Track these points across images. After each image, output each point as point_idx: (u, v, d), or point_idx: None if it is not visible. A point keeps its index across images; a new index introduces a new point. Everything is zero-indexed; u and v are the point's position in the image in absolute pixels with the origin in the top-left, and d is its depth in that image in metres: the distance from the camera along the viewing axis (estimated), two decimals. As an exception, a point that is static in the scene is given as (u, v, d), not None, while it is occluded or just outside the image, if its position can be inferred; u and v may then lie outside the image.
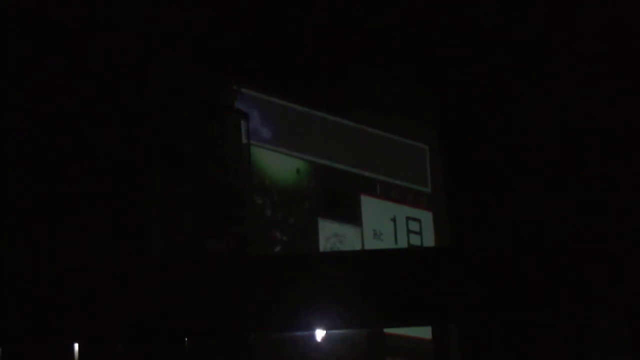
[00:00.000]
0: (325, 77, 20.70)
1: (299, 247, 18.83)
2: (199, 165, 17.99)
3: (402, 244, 21.27)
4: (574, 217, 18.90)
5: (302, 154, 20.31)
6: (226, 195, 18.23)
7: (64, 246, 15.57)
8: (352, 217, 20.98)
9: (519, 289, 13.88)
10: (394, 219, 21.34)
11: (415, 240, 21.53)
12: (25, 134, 16.25)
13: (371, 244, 20.77)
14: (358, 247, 20.56)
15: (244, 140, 19.00)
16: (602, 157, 19.43)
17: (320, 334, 14.36)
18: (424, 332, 15.21)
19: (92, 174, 16.33)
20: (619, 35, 19.55)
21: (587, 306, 13.96)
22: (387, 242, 21.08)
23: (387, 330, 15.13)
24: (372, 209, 21.39)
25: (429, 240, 21.66)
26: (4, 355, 13.50)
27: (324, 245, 20.10)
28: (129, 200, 16.54)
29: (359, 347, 15.08)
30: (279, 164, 19.82)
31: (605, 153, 19.44)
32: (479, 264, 14.06)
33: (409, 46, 20.86)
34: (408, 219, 21.67)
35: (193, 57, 18.08)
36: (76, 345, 13.65)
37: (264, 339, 14.82)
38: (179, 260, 16.17)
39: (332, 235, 20.43)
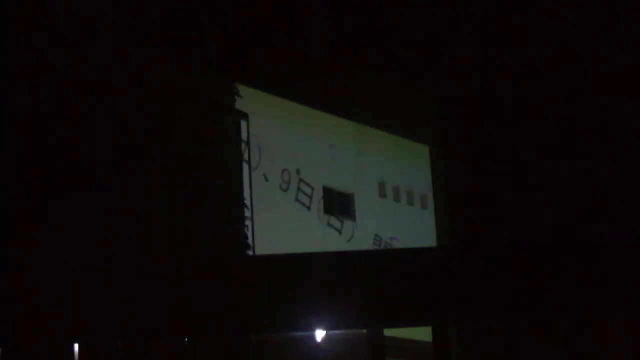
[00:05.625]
0: (325, 77, 20.70)
1: (300, 245, 18.85)
2: (199, 165, 17.99)
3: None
4: (575, 217, 18.89)
5: (302, 153, 20.34)
6: (226, 196, 18.23)
7: (64, 246, 15.57)
8: (348, 213, 21.08)
9: (519, 288, 13.88)
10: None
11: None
12: (25, 134, 16.25)
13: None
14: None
15: (244, 140, 19.01)
16: (603, 156, 19.42)
17: (320, 334, 14.36)
18: (424, 334, 15.21)
19: (92, 174, 16.34)
20: (620, 33, 19.55)
21: (587, 306, 13.96)
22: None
23: (387, 331, 15.13)
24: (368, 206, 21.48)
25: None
26: (4, 355, 13.50)
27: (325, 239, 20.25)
28: (129, 201, 16.54)
29: (359, 347, 15.06)
30: (279, 163, 19.83)
31: (605, 152, 19.44)
32: (479, 264, 14.06)
33: (408, 46, 20.86)
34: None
35: (193, 57, 18.07)
36: (76, 345, 13.65)
37: (264, 339, 14.81)
38: (179, 260, 16.18)
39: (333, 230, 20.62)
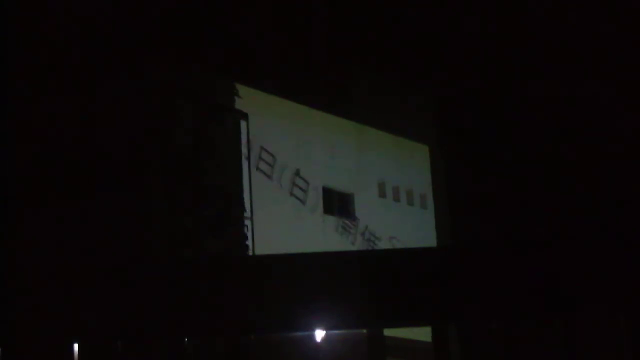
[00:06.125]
0: (325, 77, 20.71)
1: (301, 244, 18.85)
2: (199, 165, 18.00)
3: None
4: (575, 217, 18.88)
5: (302, 153, 20.36)
6: (226, 195, 18.24)
7: (64, 246, 15.58)
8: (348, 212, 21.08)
9: (519, 288, 13.89)
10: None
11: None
12: (26, 135, 16.26)
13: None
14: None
15: (244, 140, 19.02)
16: (603, 155, 19.41)
17: (320, 334, 14.37)
18: (424, 334, 15.23)
19: (92, 174, 16.34)
20: (620, 33, 19.54)
21: (587, 306, 13.97)
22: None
23: (387, 331, 15.15)
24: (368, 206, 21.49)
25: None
26: (4, 355, 13.50)
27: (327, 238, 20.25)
28: (129, 201, 16.54)
29: (359, 347, 15.08)
30: (279, 163, 19.84)
31: (605, 151, 19.43)
32: (479, 264, 14.07)
33: (408, 46, 20.86)
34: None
35: (193, 57, 18.08)
36: (76, 345, 13.66)
37: (263, 339, 14.83)
38: (179, 260, 16.18)
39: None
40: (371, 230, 21.06)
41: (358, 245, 20.65)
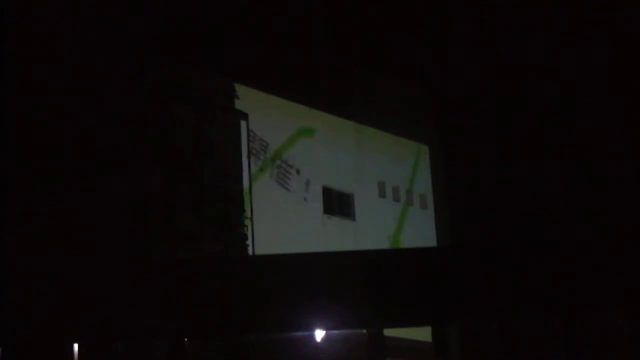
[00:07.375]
0: (325, 77, 20.71)
1: (302, 244, 18.84)
2: (199, 165, 17.99)
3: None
4: (575, 217, 18.90)
5: (302, 152, 20.35)
6: (226, 196, 18.24)
7: (64, 246, 15.58)
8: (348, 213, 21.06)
9: (519, 288, 13.89)
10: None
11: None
12: (25, 135, 16.26)
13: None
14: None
15: (244, 140, 19.01)
16: (603, 156, 19.42)
17: (320, 334, 14.37)
18: (424, 334, 15.21)
19: (92, 174, 16.35)
20: (618, 34, 19.55)
21: (586, 305, 13.97)
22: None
23: (387, 331, 15.14)
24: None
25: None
26: (4, 355, 13.50)
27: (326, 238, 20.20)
28: (129, 201, 16.55)
29: (359, 348, 15.07)
30: (279, 163, 19.83)
31: (605, 152, 19.44)
32: (479, 264, 14.07)
33: (409, 46, 20.87)
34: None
35: (192, 57, 18.09)
36: (76, 345, 13.65)
37: (263, 339, 14.82)
38: (179, 260, 16.18)
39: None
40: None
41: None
